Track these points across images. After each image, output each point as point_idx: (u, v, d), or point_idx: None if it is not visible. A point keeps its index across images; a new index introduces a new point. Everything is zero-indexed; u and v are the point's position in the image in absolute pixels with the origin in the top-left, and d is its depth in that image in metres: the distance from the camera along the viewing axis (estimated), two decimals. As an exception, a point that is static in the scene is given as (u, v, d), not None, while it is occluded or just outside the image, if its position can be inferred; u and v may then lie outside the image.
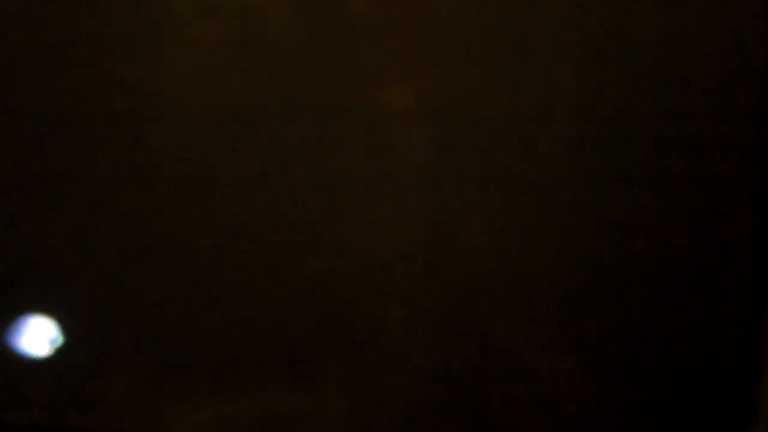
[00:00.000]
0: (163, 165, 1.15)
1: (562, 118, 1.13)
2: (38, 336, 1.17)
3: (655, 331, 1.15)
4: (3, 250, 1.16)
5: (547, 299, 1.16)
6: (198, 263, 1.16)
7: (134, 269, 1.16)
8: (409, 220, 1.15)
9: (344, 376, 1.17)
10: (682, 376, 1.16)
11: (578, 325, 1.16)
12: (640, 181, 1.13)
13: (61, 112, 1.14)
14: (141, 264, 1.16)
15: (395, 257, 1.16)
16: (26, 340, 1.17)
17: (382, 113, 1.14)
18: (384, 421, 1.18)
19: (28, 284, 1.17)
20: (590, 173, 1.14)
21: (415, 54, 1.13)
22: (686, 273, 1.15)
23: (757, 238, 1.14)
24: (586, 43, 1.12)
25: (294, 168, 1.15)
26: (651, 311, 1.15)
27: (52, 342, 1.18)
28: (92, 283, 1.17)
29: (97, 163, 1.15)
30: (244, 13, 1.14)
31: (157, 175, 1.15)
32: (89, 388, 1.19)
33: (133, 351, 1.18)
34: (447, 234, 1.15)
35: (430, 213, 1.15)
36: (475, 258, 1.15)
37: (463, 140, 1.14)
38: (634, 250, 1.15)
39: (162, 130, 1.15)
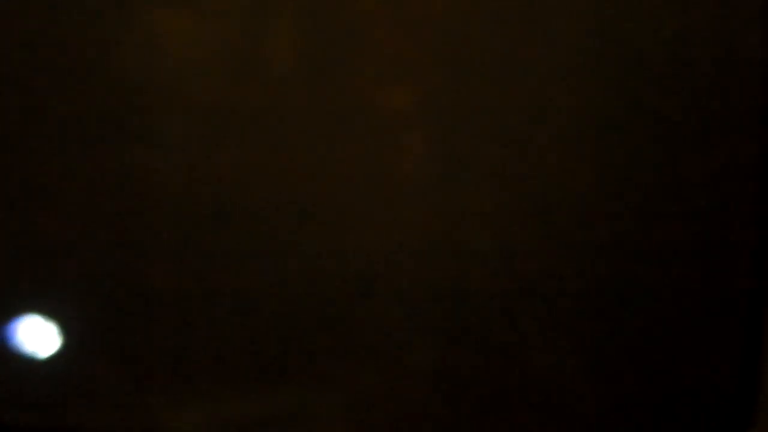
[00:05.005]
0: (162, 165, 1.15)
1: (562, 118, 1.13)
2: (38, 336, 1.17)
3: (655, 332, 1.15)
4: (3, 250, 1.16)
5: (547, 299, 1.16)
6: (198, 263, 1.16)
7: (134, 269, 1.16)
8: (409, 219, 1.15)
9: (344, 376, 1.17)
10: (682, 376, 1.16)
11: (578, 325, 1.16)
12: (641, 182, 1.14)
13: (62, 112, 1.14)
14: (141, 264, 1.16)
15: (395, 257, 1.16)
16: (26, 340, 1.17)
17: (382, 113, 1.14)
18: (384, 421, 1.18)
19: (27, 284, 1.17)
20: (590, 173, 1.14)
21: (415, 54, 1.13)
22: (686, 273, 1.15)
23: (758, 238, 1.14)
24: (586, 43, 1.12)
25: (294, 168, 1.15)
26: (651, 311, 1.15)
27: (51, 342, 1.18)
28: (92, 283, 1.17)
29: (97, 163, 1.15)
30: (243, 14, 1.13)
31: (156, 175, 1.15)
32: (89, 388, 1.19)
33: (132, 351, 1.18)
34: (447, 234, 1.15)
35: (431, 213, 1.15)
36: (476, 258, 1.15)
37: (464, 140, 1.14)
38: (634, 250, 1.15)
39: (162, 131, 1.15)
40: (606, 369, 1.16)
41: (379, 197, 1.15)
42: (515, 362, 1.17)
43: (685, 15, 1.11)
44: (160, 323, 1.17)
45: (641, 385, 1.16)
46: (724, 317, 1.15)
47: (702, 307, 1.15)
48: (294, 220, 1.15)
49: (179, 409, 1.19)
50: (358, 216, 1.15)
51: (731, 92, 1.12)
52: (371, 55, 1.13)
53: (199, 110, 1.15)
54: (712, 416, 1.16)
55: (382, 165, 1.15)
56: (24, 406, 1.19)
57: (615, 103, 1.13)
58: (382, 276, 1.16)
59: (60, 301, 1.18)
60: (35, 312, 1.17)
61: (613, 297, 1.15)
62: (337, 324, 1.16)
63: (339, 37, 1.13)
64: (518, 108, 1.13)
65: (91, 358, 1.19)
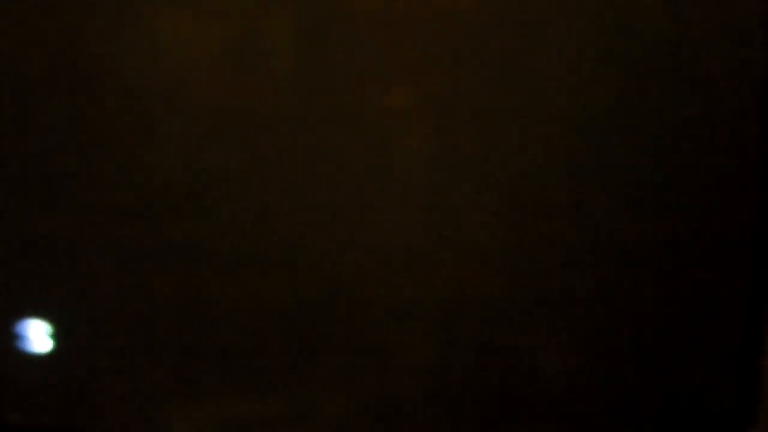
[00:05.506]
0: (162, 166, 1.15)
1: (562, 118, 1.13)
2: (38, 336, 1.17)
3: (655, 332, 1.15)
4: (3, 250, 1.16)
5: (547, 299, 1.16)
6: (198, 263, 1.16)
7: (134, 269, 1.16)
8: (409, 219, 1.15)
9: (344, 376, 1.17)
10: (682, 376, 1.16)
11: (578, 325, 1.16)
12: (641, 181, 1.14)
13: (62, 113, 1.14)
14: (141, 264, 1.16)
15: (395, 256, 1.16)
16: (26, 340, 1.17)
17: (382, 113, 1.14)
18: (384, 421, 1.18)
19: (27, 284, 1.17)
20: (590, 173, 1.14)
21: (415, 54, 1.13)
22: (686, 273, 1.15)
23: (757, 238, 1.14)
24: (586, 42, 1.12)
25: (293, 167, 1.15)
26: (651, 311, 1.15)
27: (51, 342, 1.17)
28: (92, 283, 1.17)
29: (97, 164, 1.15)
30: (243, 14, 1.13)
31: (156, 175, 1.15)
32: (89, 388, 1.19)
33: (132, 351, 1.18)
34: (447, 233, 1.15)
35: (430, 212, 1.15)
36: (475, 257, 1.15)
37: (464, 140, 1.14)
38: (634, 250, 1.15)
39: (161, 132, 1.15)
40: (606, 369, 1.16)
41: (379, 197, 1.15)
42: (515, 362, 1.17)
43: (685, 14, 1.11)
44: (160, 323, 1.17)
45: (642, 384, 1.16)
46: (724, 317, 1.15)
47: (702, 307, 1.15)
48: (294, 219, 1.15)
49: (179, 409, 1.18)
50: (358, 215, 1.15)
51: (731, 91, 1.12)
52: (371, 55, 1.13)
53: (200, 110, 1.15)
54: (713, 416, 1.16)
55: (383, 164, 1.15)
56: (24, 406, 1.19)
57: (615, 102, 1.13)
58: (382, 276, 1.16)
59: (60, 301, 1.18)
60: (35, 312, 1.17)
61: (614, 297, 1.15)
62: (337, 324, 1.16)
63: (339, 37, 1.13)
64: (519, 108, 1.13)
65: (92, 359, 1.18)
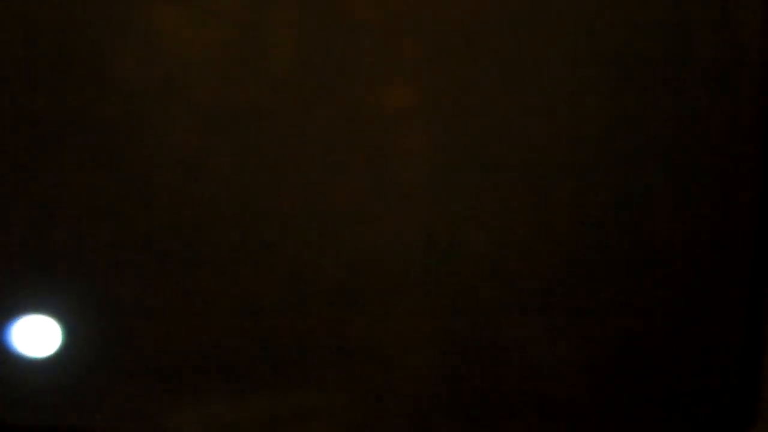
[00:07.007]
0: (162, 166, 1.15)
1: (561, 118, 1.13)
2: (38, 336, 1.17)
3: (655, 331, 1.15)
4: (3, 250, 1.16)
5: (547, 299, 1.16)
6: (198, 264, 1.16)
7: (134, 270, 1.16)
8: (409, 220, 1.15)
9: (345, 377, 1.17)
10: (682, 376, 1.16)
11: (578, 325, 1.16)
12: (641, 182, 1.14)
13: (61, 112, 1.14)
14: (141, 264, 1.16)
15: (395, 257, 1.16)
16: (26, 340, 1.17)
17: (382, 113, 1.14)
18: (385, 422, 1.18)
19: (28, 284, 1.17)
20: (590, 173, 1.14)
21: (415, 54, 1.13)
22: (686, 273, 1.15)
23: (758, 238, 1.14)
24: (586, 42, 1.12)
25: (293, 169, 1.15)
26: (651, 311, 1.15)
27: (52, 342, 1.17)
28: (92, 283, 1.17)
29: (97, 164, 1.15)
30: (243, 14, 1.14)
31: (156, 175, 1.15)
32: (89, 388, 1.19)
33: (132, 351, 1.18)
34: (447, 234, 1.15)
35: (431, 213, 1.15)
36: (475, 258, 1.15)
37: (464, 140, 1.14)
38: (634, 250, 1.15)
39: (161, 132, 1.15)
40: (606, 369, 1.16)
41: (379, 198, 1.15)
42: (515, 362, 1.17)
43: (685, 13, 1.11)
44: (160, 323, 1.17)
45: (641, 384, 1.16)
46: (724, 317, 1.15)
47: (702, 307, 1.15)
48: (294, 220, 1.15)
49: (179, 409, 1.18)
50: (358, 216, 1.15)
51: (732, 91, 1.12)
52: (371, 55, 1.13)
53: (199, 110, 1.15)
54: (713, 416, 1.16)
55: (383, 165, 1.15)
56: (24, 406, 1.19)
57: (615, 102, 1.13)
58: (382, 276, 1.16)
59: (60, 301, 1.18)
60: (35, 312, 1.17)
61: (614, 297, 1.15)
62: (337, 325, 1.16)
63: (339, 37, 1.13)
64: (518, 108, 1.13)
65: (91, 358, 1.18)
